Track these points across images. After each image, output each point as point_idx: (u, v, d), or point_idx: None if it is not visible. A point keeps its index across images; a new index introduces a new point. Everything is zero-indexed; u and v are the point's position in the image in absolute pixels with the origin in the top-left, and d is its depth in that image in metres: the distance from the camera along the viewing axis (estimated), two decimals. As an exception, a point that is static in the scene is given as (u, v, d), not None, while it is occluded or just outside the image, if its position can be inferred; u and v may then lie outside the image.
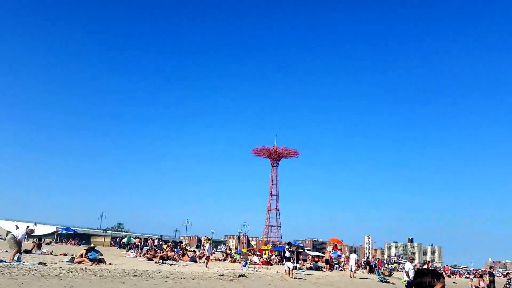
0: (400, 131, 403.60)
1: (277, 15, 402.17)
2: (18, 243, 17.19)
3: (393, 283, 28.11)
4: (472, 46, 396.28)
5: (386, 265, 55.52)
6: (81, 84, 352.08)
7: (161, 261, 26.35)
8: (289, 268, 23.57)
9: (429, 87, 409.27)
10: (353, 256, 30.83)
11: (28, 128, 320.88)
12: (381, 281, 28.89)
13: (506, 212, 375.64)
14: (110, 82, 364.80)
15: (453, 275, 61.15)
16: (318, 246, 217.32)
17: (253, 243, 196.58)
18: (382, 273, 37.16)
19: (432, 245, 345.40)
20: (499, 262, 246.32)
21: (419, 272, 3.53)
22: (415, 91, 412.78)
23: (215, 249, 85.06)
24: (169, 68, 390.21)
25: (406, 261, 21.89)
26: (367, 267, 43.49)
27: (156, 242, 51.82)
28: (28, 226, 22.12)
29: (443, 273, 64.64)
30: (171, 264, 25.81)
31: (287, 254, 25.18)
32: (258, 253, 61.49)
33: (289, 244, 26.99)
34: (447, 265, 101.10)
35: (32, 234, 22.93)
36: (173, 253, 31.32)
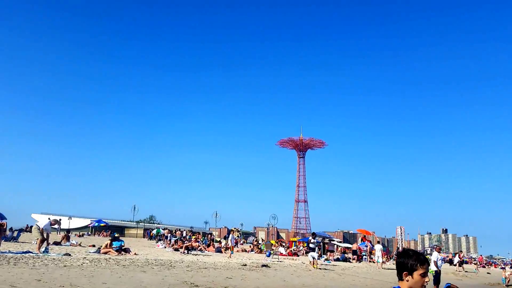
0: (433, 119, 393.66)
1: (301, 2, 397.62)
2: (41, 232, 17.70)
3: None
4: None
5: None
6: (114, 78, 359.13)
7: (186, 251, 26.63)
8: (313, 258, 23.37)
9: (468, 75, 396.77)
10: (378, 247, 30.34)
11: (66, 122, 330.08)
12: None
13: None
14: (150, 76, 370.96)
15: (488, 265, 59.31)
16: (349, 237, 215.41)
17: (283, 234, 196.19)
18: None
19: (466, 235, 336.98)
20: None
21: (404, 253, 3.33)
22: (447, 79, 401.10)
23: (244, 240, 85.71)
24: (194, 57, 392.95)
25: (433, 251, 21.32)
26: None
27: (184, 233, 52.59)
28: (49, 218, 22.73)
29: (468, 262, 62.85)
30: (195, 255, 26.04)
31: (311, 244, 24.97)
32: (285, 244, 61.43)
33: (313, 234, 26.82)
34: (481, 255, 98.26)
35: (56, 226, 23.42)
36: (197, 243, 31.59)
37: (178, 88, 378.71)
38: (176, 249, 29.16)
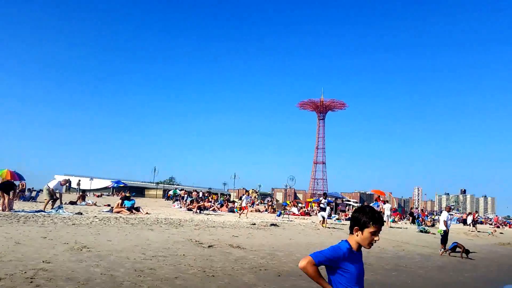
0: (454, 80, 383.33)
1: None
2: (50, 193, 18.24)
3: (433, 233, 27.53)
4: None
5: (433, 216, 54.52)
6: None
7: (198, 211, 27.15)
8: (323, 218, 23.57)
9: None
10: (387, 206, 30.65)
11: (84, 91, 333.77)
12: (421, 231, 28.36)
13: None
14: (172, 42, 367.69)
15: (503, 225, 59.09)
16: (366, 198, 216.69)
17: (300, 195, 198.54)
18: (424, 223, 36.47)
19: (485, 196, 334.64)
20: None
21: (360, 209, 3.25)
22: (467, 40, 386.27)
23: (261, 201, 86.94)
24: (212, 22, 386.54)
25: (443, 211, 21.24)
26: (411, 217, 42.79)
27: (201, 194, 53.52)
28: (54, 178, 23.31)
29: (484, 222, 62.64)
30: (208, 214, 26.56)
31: (322, 204, 25.08)
32: (302, 204, 62.13)
33: (324, 194, 26.87)
34: (496, 215, 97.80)
35: (65, 186, 24.02)
36: (210, 203, 32.13)
37: (199, 53, 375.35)
38: (189, 209, 29.76)
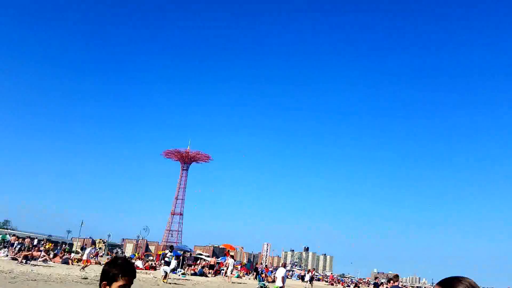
0: (309, 133, 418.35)
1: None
2: None
3: (272, 289, 28.61)
4: None
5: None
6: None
7: (24, 260, 23.89)
8: (165, 273, 22.68)
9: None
10: (231, 261, 31.07)
11: None
12: (261, 287, 29.16)
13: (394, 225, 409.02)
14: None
15: (336, 283, 64.47)
16: (218, 252, 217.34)
17: (152, 247, 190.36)
18: (266, 279, 37.71)
19: (325, 254, 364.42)
20: (383, 273, 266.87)
21: (112, 260, 2.96)
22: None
23: (109, 252, 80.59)
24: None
25: (279, 267, 22.25)
26: (255, 273, 43.98)
27: (35, 242, 47.72)
28: None
29: (321, 279, 67.95)
30: (35, 265, 23.47)
31: (167, 258, 24.26)
32: (152, 257, 59.36)
33: (171, 247, 26.15)
34: (331, 273, 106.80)
35: None
36: (39, 252, 28.54)
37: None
38: (14, 258, 26.04)
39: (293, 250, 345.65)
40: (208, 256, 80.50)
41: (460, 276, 2.13)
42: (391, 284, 12.57)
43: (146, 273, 30.12)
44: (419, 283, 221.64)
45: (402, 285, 73.70)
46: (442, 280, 2.16)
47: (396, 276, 12.80)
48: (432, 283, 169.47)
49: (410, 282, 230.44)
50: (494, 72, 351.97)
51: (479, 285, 2.11)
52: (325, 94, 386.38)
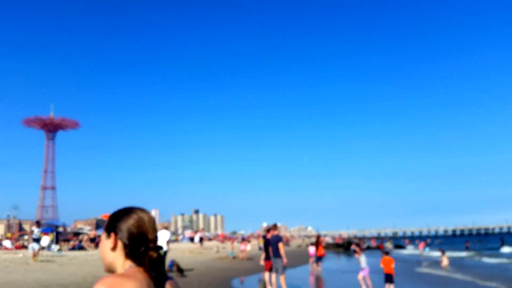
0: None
1: None
2: None
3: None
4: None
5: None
6: None
7: None
8: (34, 250, 20.54)
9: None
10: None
11: None
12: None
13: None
14: None
15: (227, 240, 66.10)
16: (102, 224, 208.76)
17: (26, 226, 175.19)
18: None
19: (215, 214, 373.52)
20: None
21: None
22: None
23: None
24: None
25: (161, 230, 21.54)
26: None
27: None
28: None
29: (212, 239, 69.41)
30: None
31: (34, 235, 21.94)
32: (27, 236, 54.17)
33: (37, 223, 23.71)
34: (222, 232, 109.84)
35: None
36: None
37: None
38: None
39: (183, 214, 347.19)
40: (91, 230, 76.51)
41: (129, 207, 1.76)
42: (270, 233, 12.73)
43: (15, 253, 27.25)
44: (305, 231, 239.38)
45: (283, 234, 78.42)
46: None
47: (275, 226, 13.03)
48: (317, 230, 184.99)
49: (298, 231, 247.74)
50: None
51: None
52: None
